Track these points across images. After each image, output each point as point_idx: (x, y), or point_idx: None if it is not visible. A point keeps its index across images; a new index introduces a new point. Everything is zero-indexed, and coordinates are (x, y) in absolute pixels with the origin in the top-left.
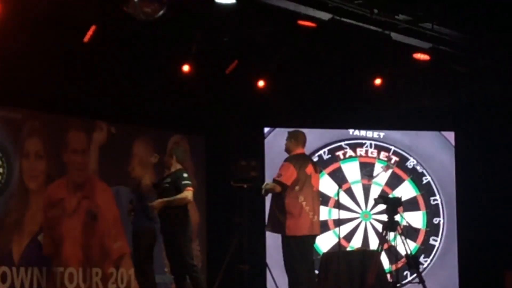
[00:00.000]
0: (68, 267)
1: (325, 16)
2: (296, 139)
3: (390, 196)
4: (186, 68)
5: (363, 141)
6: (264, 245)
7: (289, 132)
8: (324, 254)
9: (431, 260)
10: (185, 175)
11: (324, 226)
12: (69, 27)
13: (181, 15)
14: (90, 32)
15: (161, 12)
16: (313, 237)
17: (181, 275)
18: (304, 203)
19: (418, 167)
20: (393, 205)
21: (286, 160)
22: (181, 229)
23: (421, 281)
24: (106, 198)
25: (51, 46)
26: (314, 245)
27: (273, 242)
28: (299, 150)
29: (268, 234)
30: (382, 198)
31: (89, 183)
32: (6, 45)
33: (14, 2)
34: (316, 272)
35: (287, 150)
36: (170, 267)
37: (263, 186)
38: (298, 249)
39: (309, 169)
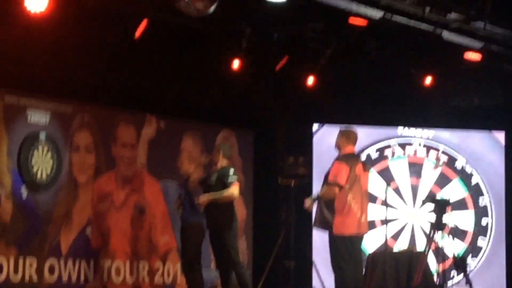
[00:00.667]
0: (115, 260)
1: (376, 14)
2: (348, 137)
3: (438, 197)
4: (236, 64)
5: (412, 140)
6: (311, 242)
7: (341, 130)
8: (370, 254)
9: (479, 261)
10: (232, 171)
11: (371, 225)
12: (121, 21)
13: (232, 11)
14: (141, 27)
15: (212, 8)
16: (360, 237)
17: (226, 270)
18: (352, 202)
19: (467, 167)
20: (441, 206)
21: (337, 159)
22: (227, 225)
23: (468, 282)
24: (154, 192)
25: (102, 40)
26: (361, 245)
27: (319, 239)
28: (349, 149)
29: (315, 231)
30: (430, 198)
31: (138, 177)
32: (58, 38)
33: None
34: (364, 271)
35: (338, 147)
36: (216, 262)
37: (317, 194)
38: (345, 248)
39: (359, 168)
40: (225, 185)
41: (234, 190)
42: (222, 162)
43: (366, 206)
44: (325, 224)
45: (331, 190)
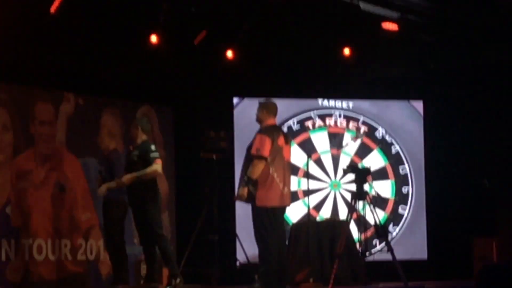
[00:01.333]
0: (36, 239)
1: None
2: (268, 109)
3: (359, 165)
4: (154, 38)
5: (332, 111)
6: (234, 215)
7: (260, 103)
8: (293, 224)
9: (400, 229)
10: (153, 147)
11: (293, 197)
12: None
13: None
14: (56, 3)
15: None
16: (283, 209)
17: (150, 246)
18: (275, 175)
19: (387, 137)
20: (362, 175)
21: (260, 132)
22: (150, 201)
23: (390, 250)
24: (74, 170)
25: (18, 16)
26: (284, 216)
27: (242, 212)
28: (271, 121)
29: (238, 204)
30: (351, 167)
31: (57, 154)
32: None
33: None
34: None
35: (259, 120)
36: (139, 238)
37: (248, 176)
38: (269, 219)
39: (281, 140)
40: (147, 161)
41: (157, 167)
42: (141, 137)
43: (288, 178)
44: (248, 197)
45: (259, 164)
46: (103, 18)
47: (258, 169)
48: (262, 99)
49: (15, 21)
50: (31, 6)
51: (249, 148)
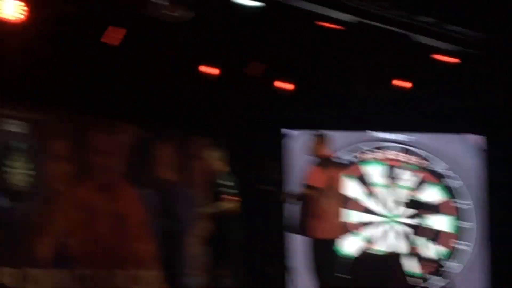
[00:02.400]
0: (96, 269)
1: (347, 17)
2: (321, 141)
3: (418, 200)
4: (210, 70)
5: (390, 144)
6: (288, 248)
7: (313, 135)
8: (350, 257)
9: (460, 265)
10: (229, 182)
11: (349, 229)
12: (95, 28)
13: (204, 16)
14: (117, 34)
15: (188, 15)
16: (336, 240)
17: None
18: (329, 206)
19: (446, 171)
20: (420, 209)
21: (313, 163)
22: (225, 238)
23: (449, 286)
24: (132, 200)
25: (77, 47)
26: (340, 248)
27: (297, 244)
28: (324, 153)
29: (293, 236)
30: (410, 202)
31: (115, 185)
32: (32, 46)
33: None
34: (342, 275)
35: (312, 153)
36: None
37: (290, 193)
38: (323, 252)
39: (335, 172)
40: (223, 196)
41: (231, 203)
42: (218, 169)
43: (341, 210)
44: (304, 230)
45: (307, 193)
46: (161, 49)
47: (305, 195)
48: (315, 131)
49: (74, 51)
50: (91, 36)
51: (302, 179)
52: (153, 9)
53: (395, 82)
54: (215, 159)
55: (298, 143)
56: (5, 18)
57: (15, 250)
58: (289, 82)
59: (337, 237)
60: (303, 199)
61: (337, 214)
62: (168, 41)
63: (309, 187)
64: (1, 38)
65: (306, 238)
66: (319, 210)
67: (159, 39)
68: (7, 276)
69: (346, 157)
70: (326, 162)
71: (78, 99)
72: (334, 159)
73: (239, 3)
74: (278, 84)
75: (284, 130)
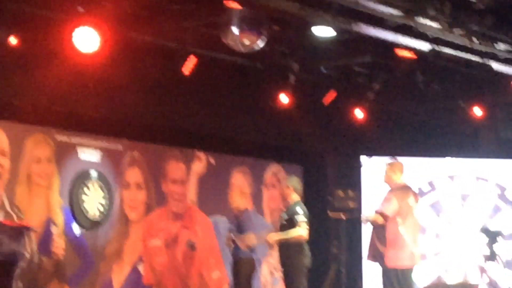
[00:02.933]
0: None
1: (424, 46)
2: (395, 169)
3: (491, 228)
4: (284, 98)
5: (463, 172)
6: (361, 276)
7: (388, 164)
8: (425, 287)
9: None
10: (301, 209)
11: (423, 257)
12: (170, 58)
13: (279, 46)
14: (190, 64)
15: (260, 44)
16: (412, 269)
17: None
18: (405, 235)
19: None
20: (493, 237)
21: (389, 191)
22: (294, 266)
23: None
24: (205, 228)
25: (151, 77)
26: (413, 277)
27: (370, 273)
28: (399, 181)
29: (366, 265)
30: (483, 229)
31: (188, 213)
32: (107, 76)
33: (118, 33)
34: None
35: (387, 181)
36: None
37: (366, 217)
38: (397, 280)
39: (411, 200)
40: (295, 224)
41: (302, 230)
42: (292, 198)
43: (418, 238)
44: (378, 257)
45: (376, 218)
46: (235, 78)
47: (375, 219)
48: (389, 159)
49: (149, 81)
50: (165, 66)
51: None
52: (226, 37)
53: (472, 108)
54: (291, 187)
55: (376, 171)
56: (80, 49)
57: (90, 277)
58: (367, 109)
59: (410, 266)
60: (378, 226)
61: (410, 243)
62: (244, 70)
63: (382, 214)
64: (78, 68)
65: (380, 266)
66: (393, 238)
67: (235, 67)
68: None
69: (421, 184)
70: (402, 190)
71: (152, 127)
72: (409, 187)
73: (315, 34)
74: (356, 112)
75: (363, 157)
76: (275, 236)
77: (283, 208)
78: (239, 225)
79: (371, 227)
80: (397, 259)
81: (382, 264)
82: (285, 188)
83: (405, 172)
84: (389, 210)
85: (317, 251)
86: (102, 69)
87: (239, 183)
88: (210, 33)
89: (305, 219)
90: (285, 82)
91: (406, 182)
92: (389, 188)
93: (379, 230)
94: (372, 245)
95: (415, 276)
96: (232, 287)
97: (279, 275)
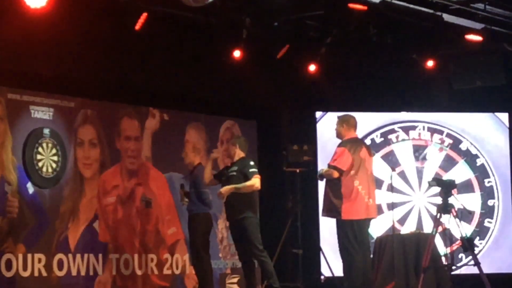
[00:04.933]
0: (123, 254)
1: None
2: (347, 123)
3: (444, 178)
4: (237, 53)
5: (416, 124)
6: (318, 229)
7: (339, 117)
8: (378, 238)
9: (486, 242)
10: (252, 163)
11: (378, 209)
12: (120, 14)
13: (231, 0)
14: (141, 20)
15: None
16: (368, 221)
17: (249, 260)
18: (359, 187)
19: (472, 149)
20: (447, 188)
21: (340, 145)
22: (249, 215)
23: (476, 263)
24: (159, 185)
25: (103, 34)
26: (369, 229)
27: (326, 226)
28: (351, 134)
29: (322, 218)
30: (436, 181)
31: (143, 169)
32: (59, 34)
33: None
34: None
35: (339, 135)
36: (238, 253)
37: (320, 172)
38: (354, 233)
39: (363, 152)
40: (246, 176)
41: (256, 181)
42: (239, 154)
43: (373, 190)
44: (333, 212)
45: (330, 172)
46: (187, 34)
47: (328, 173)
48: (340, 114)
49: (100, 38)
50: (116, 23)
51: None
52: None
53: (422, 61)
54: (236, 144)
55: (330, 126)
56: (29, 5)
57: (45, 236)
58: (320, 64)
59: (369, 218)
60: (332, 180)
61: (365, 195)
62: (195, 25)
63: (335, 168)
64: (28, 26)
65: (338, 220)
66: (348, 191)
67: (186, 23)
68: (37, 262)
69: (374, 138)
70: (353, 143)
71: (105, 84)
72: (360, 140)
73: None
74: (310, 66)
75: (317, 113)
76: (229, 187)
77: (229, 164)
78: (194, 180)
79: (324, 182)
80: (353, 212)
81: (338, 218)
82: (232, 146)
83: (359, 126)
84: (342, 163)
85: (272, 206)
86: (53, 26)
87: (193, 139)
88: None
89: (257, 170)
90: (237, 37)
91: (357, 136)
92: (340, 142)
93: (333, 185)
94: (327, 200)
95: (371, 228)
96: (188, 243)
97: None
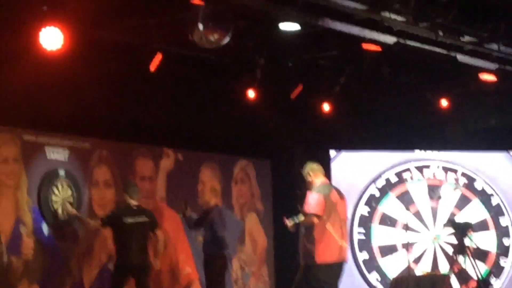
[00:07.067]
0: None
1: (390, 40)
2: (312, 170)
3: (459, 219)
4: (251, 93)
5: (430, 163)
6: None
7: (303, 169)
8: (393, 279)
9: (502, 282)
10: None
11: (393, 249)
12: (135, 55)
13: (245, 41)
14: (156, 61)
15: (226, 40)
16: (341, 264)
17: None
18: (332, 230)
19: (486, 188)
20: (462, 229)
21: (312, 190)
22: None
23: None
24: (174, 225)
25: (118, 75)
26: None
27: None
28: (320, 179)
29: None
30: (451, 222)
31: (157, 210)
32: (74, 75)
33: (82, 31)
34: None
35: (309, 185)
36: None
37: (295, 220)
38: (325, 277)
39: (334, 196)
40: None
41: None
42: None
43: (345, 233)
44: (308, 257)
45: (310, 219)
46: (202, 75)
47: (308, 221)
48: (309, 160)
49: (115, 79)
50: (131, 64)
51: (302, 205)
52: (192, 33)
53: (437, 101)
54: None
55: (345, 164)
56: (45, 48)
57: (60, 277)
58: (334, 103)
59: (341, 260)
60: (304, 225)
61: (340, 238)
62: (210, 66)
63: (315, 215)
64: (43, 68)
65: (312, 264)
66: (320, 235)
67: (201, 63)
68: None
69: (390, 177)
70: (324, 187)
71: (120, 125)
72: (329, 183)
73: (281, 28)
74: (324, 106)
75: (331, 151)
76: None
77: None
78: (210, 222)
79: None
80: (326, 255)
81: (312, 262)
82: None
83: (373, 164)
84: (319, 209)
85: (288, 246)
86: (68, 68)
87: (209, 179)
88: (176, 30)
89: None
90: (252, 77)
91: (327, 181)
92: (312, 187)
93: (306, 230)
94: (302, 246)
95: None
96: (204, 284)
97: (249, 270)
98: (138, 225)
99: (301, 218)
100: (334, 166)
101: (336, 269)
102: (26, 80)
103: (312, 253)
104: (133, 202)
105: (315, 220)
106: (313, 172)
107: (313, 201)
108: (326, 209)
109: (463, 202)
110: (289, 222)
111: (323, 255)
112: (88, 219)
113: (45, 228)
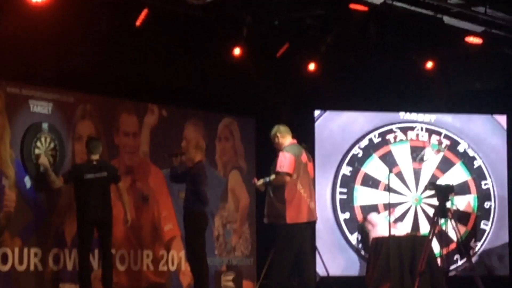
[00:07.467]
0: (119, 249)
1: (377, 0)
2: (280, 132)
3: (441, 183)
4: (237, 51)
5: (414, 125)
6: (314, 228)
7: (270, 133)
8: (374, 238)
9: (482, 244)
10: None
11: (374, 209)
12: (121, 10)
13: None
14: (142, 16)
15: None
16: (312, 223)
17: None
18: (302, 191)
19: (469, 151)
20: (444, 192)
21: (283, 150)
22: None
23: (472, 266)
24: (157, 181)
25: (104, 30)
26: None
27: (322, 226)
28: (289, 140)
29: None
30: (433, 185)
31: (140, 165)
32: (59, 28)
33: None
34: (366, 255)
35: (279, 146)
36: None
37: (267, 180)
38: (298, 236)
39: (304, 157)
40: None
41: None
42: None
43: (314, 193)
44: (278, 217)
45: (282, 178)
46: (187, 31)
47: (280, 180)
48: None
49: (100, 34)
50: (117, 18)
51: (273, 166)
52: None
53: (422, 63)
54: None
55: (329, 124)
56: (32, 1)
57: (42, 230)
58: (320, 63)
59: (312, 220)
60: (275, 186)
61: (309, 198)
62: (196, 22)
63: (286, 174)
64: (28, 21)
65: (282, 224)
66: (291, 196)
67: (187, 20)
68: (33, 256)
69: (372, 137)
70: (294, 148)
71: (104, 80)
72: (299, 145)
73: None
74: (309, 65)
75: (316, 111)
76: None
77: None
78: (192, 177)
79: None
80: (297, 215)
81: (283, 222)
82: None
83: (357, 125)
84: (290, 168)
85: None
86: (54, 21)
87: (192, 135)
88: None
89: None
90: (238, 34)
91: (294, 141)
92: (282, 148)
93: (276, 190)
94: (271, 206)
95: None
96: (184, 240)
97: (231, 227)
98: (98, 180)
99: (272, 177)
100: (318, 125)
101: (307, 228)
102: (10, 32)
103: (282, 213)
104: (94, 157)
105: (287, 178)
106: (280, 134)
107: (284, 160)
108: (296, 169)
109: (446, 165)
110: (258, 182)
111: (294, 215)
112: (54, 177)
113: (27, 181)
